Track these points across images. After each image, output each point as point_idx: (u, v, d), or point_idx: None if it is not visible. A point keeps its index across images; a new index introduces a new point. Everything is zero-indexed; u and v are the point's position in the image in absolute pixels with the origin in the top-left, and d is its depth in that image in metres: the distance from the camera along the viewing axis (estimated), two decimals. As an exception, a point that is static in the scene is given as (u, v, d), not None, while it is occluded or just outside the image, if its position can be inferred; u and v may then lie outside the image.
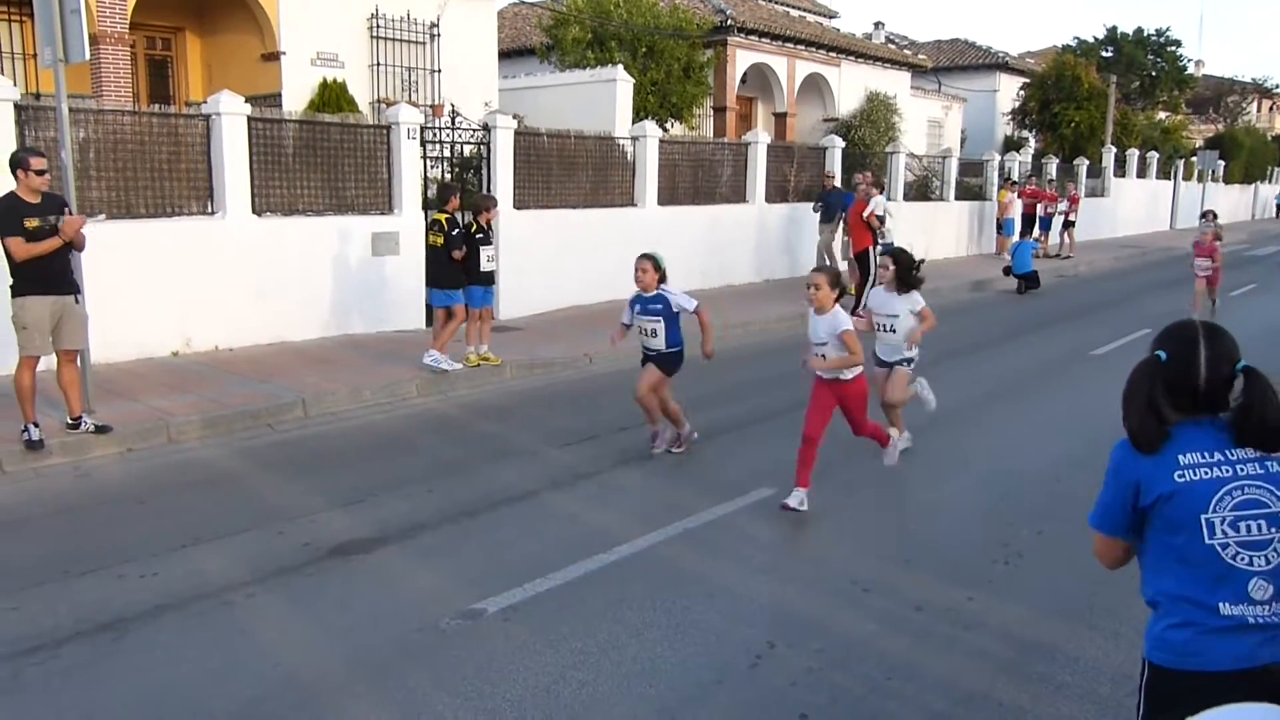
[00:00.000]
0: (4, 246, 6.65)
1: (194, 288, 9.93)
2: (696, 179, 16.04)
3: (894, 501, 6.28)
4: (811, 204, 16.99)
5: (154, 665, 4.13)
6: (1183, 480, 2.28)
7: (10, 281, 6.80)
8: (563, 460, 7.05)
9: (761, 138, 17.19)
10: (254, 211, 10.45)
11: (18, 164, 6.74)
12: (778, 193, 17.60)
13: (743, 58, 23.15)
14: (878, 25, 33.48)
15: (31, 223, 6.67)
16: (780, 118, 24.72)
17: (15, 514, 5.97)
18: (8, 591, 4.79)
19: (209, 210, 10.28)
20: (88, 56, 7.54)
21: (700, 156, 16.30)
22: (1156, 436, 2.33)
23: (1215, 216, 14.90)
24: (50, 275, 6.82)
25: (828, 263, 15.19)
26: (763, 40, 23.37)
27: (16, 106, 8.90)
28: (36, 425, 6.88)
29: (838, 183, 17.02)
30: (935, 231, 21.46)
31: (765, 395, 9.24)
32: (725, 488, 6.40)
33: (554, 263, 13.15)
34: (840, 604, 4.79)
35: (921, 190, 21.75)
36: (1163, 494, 2.29)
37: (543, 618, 4.56)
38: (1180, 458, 2.30)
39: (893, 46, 30.64)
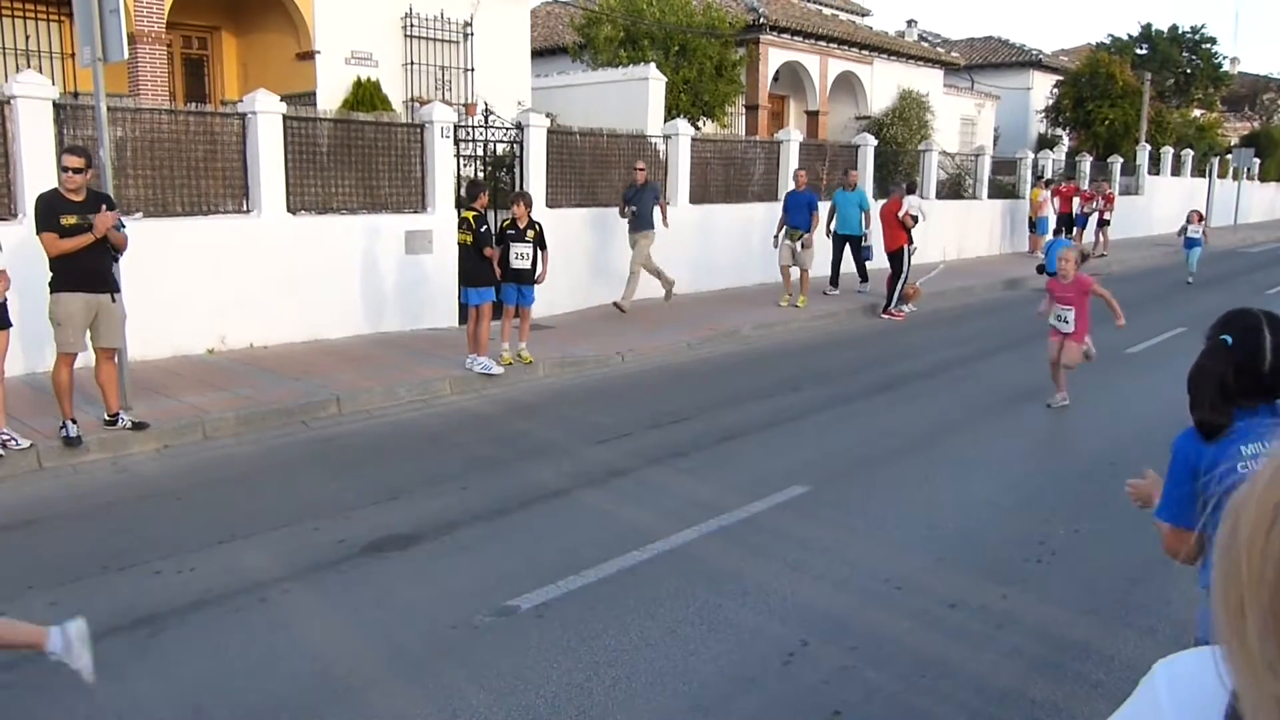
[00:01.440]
0: (41, 241, 6.75)
1: (229, 286, 10.04)
2: (728, 177, 16.00)
3: (926, 499, 6.21)
4: (619, 208, 13.03)
5: (191, 660, 4.17)
6: (1245, 471, 2.23)
7: (49, 278, 6.90)
8: (596, 457, 7.04)
9: (794, 136, 17.10)
10: (289, 210, 10.54)
11: (59, 163, 6.85)
12: (811, 191, 17.46)
13: (775, 56, 23.05)
14: (910, 23, 33.25)
15: (69, 220, 6.75)
16: (812, 116, 24.59)
17: (54, 509, 6.05)
18: (47, 586, 4.86)
19: (244, 209, 10.39)
20: (126, 56, 7.62)
21: (732, 155, 16.25)
22: (1224, 422, 2.30)
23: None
24: (87, 273, 6.90)
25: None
26: (795, 39, 23.25)
27: (55, 105, 9.03)
28: (74, 421, 6.98)
29: (644, 178, 13.00)
30: (968, 230, 21.26)
31: (800, 392, 9.19)
32: (759, 485, 6.37)
33: (586, 261, 13.17)
34: (873, 601, 4.75)
35: (954, 188, 21.55)
36: (1228, 484, 2.23)
37: (576, 615, 4.55)
38: (1243, 448, 2.27)
39: (925, 44, 30.41)
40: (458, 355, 9.76)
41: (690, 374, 10.15)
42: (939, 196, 20.49)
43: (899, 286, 13.92)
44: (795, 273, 14.07)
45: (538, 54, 21.26)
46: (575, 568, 5.02)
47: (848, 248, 15.48)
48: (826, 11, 27.61)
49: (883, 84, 25.69)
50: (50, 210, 6.72)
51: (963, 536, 5.63)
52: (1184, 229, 18.53)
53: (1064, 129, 32.45)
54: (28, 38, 14.28)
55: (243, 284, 10.13)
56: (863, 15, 31.83)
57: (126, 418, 7.30)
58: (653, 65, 18.08)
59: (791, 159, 16.81)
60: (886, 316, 13.84)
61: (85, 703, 3.82)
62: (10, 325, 6.80)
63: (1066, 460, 7.16)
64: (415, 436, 7.73)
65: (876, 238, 15.01)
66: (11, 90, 8.81)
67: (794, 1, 26.46)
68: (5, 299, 6.71)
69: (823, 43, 24.05)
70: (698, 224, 15.02)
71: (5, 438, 6.71)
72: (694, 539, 5.49)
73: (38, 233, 6.74)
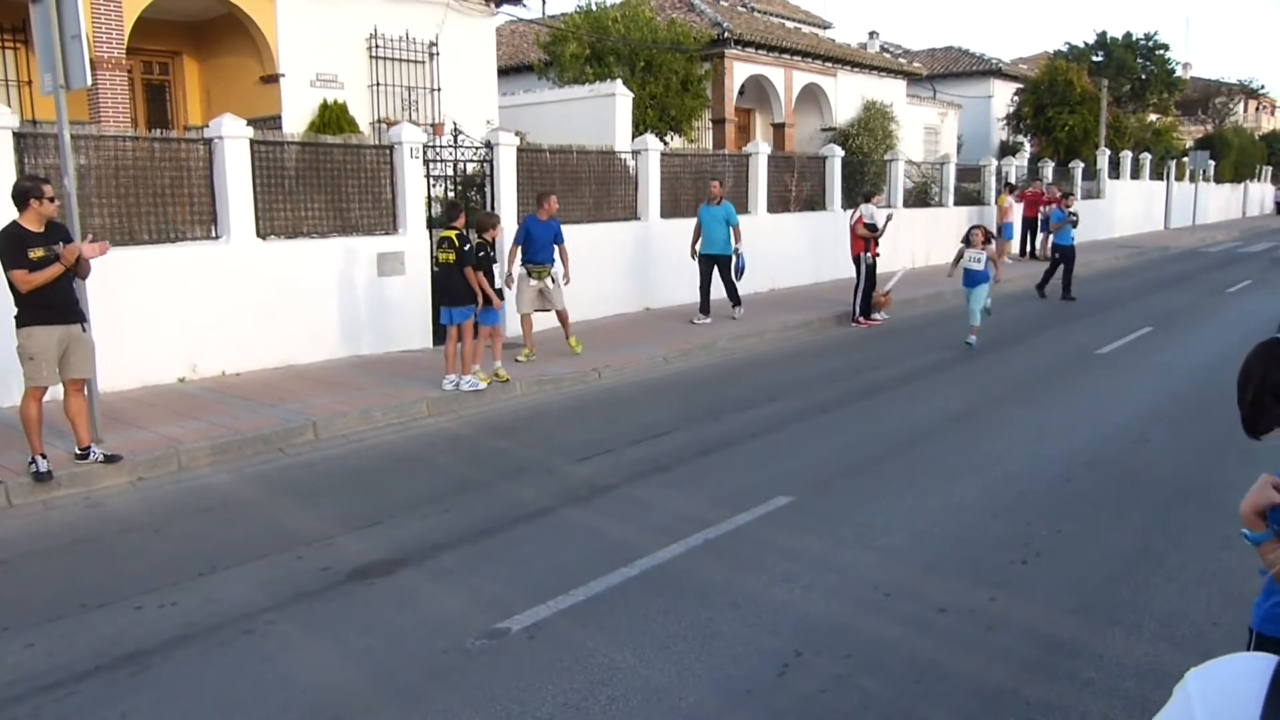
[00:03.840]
0: (8, 279, 6.62)
1: (199, 313, 9.92)
2: (699, 191, 16.04)
3: (910, 505, 6.24)
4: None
5: (177, 697, 4.08)
6: None
7: (15, 312, 6.77)
8: (579, 475, 7.01)
9: (762, 149, 17.22)
10: (258, 235, 10.44)
11: (29, 193, 6.71)
12: (779, 203, 17.62)
13: (740, 70, 23.23)
14: (872, 35, 33.67)
15: (36, 252, 6.64)
16: (779, 128, 24.78)
17: (27, 547, 5.91)
18: (24, 627, 4.74)
19: (213, 235, 10.27)
20: (89, 83, 7.52)
21: (702, 168, 16.32)
22: (1268, 421, 2.27)
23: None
24: (56, 304, 6.79)
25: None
26: (759, 52, 23.45)
27: (15, 134, 8.89)
28: (44, 456, 6.84)
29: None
30: (936, 237, 21.47)
31: (779, 403, 9.21)
32: (743, 497, 6.36)
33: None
34: (864, 609, 4.75)
35: (921, 196, 21.79)
36: None
37: (568, 634, 4.51)
38: None
39: (888, 55, 30.76)
40: (434, 376, 9.69)
41: (668, 388, 10.14)
42: (906, 205, 20.72)
43: (860, 294, 14.02)
44: (538, 319, 11.42)
45: (504, 72, 21.31)
46: (564, 587, 4.98)
47: (717, 270, 13.59)
48: (789, 25, 27.88)
49: (847, 95, 25.96)
50: (18, 243, 6.60)
51: (948, 541, 5.65)
52: (961, 255, 12.21)
53: (1025, 135, 32.98)
54: (-16, 66, 14.10)
55: (213, 311, 10.01)
56: (825, 28, 32.17)
57: (98, 451, 7.16)
58: (619, 81, 18.16)
59: (761, 171, 16.92)
60: (855, 325, 13.92)
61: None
62: None
63: (1044, 462, 7.21)
64: (394, 460, 7.65)
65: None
66: (-31, 121, 8.67)
67: (757, 15, 26.71)
68: None
69: (786, 55, 24.28)
70: (669, 238, 15.04)
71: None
72: (681, 553, 5.47)
73: (6, 270, 6.61)
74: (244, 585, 5.17)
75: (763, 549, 5.52)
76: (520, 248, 11.00)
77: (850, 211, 14.93)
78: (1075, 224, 17.31)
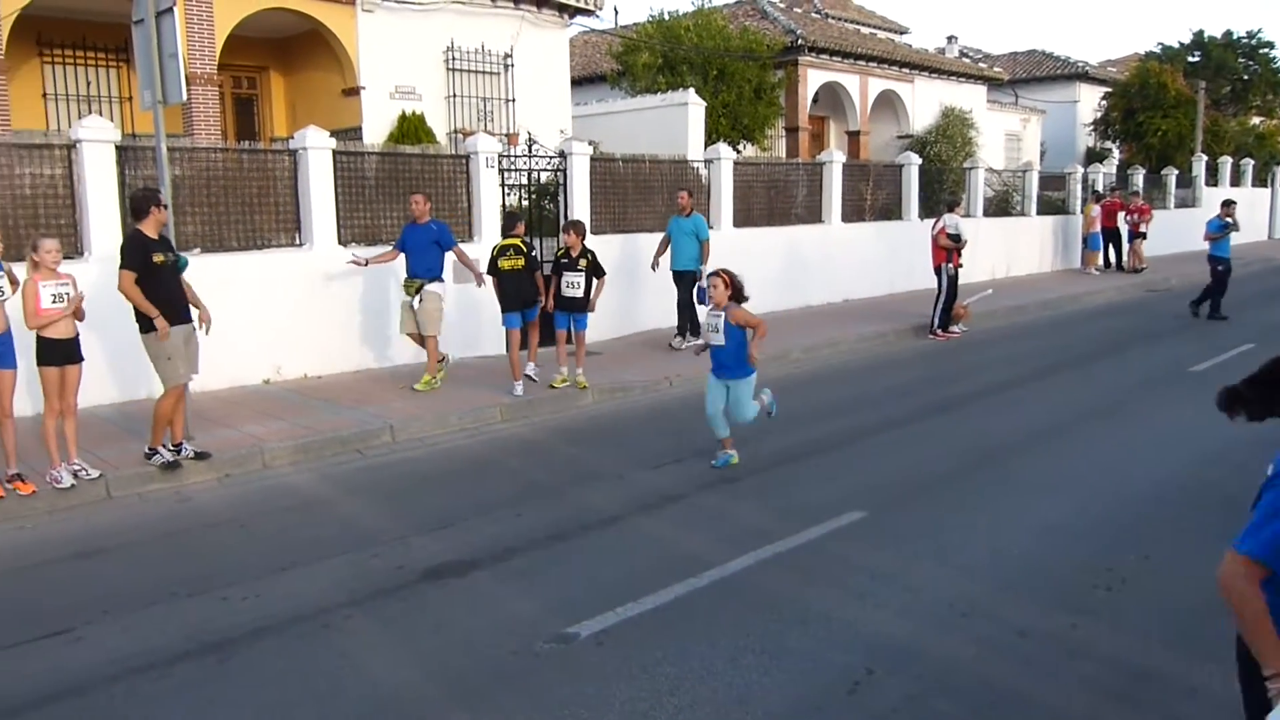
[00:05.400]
0: (121, 278, 6.92)
1: (284, 317, 10.22)
2: (771, 200, 15.99)
3: (989, 524, 6.12)
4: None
5: (259, 686, 4.22)
6: None
7: (136, 316, 7.08)
8: (649, 483, 7.04)
9: (836, 157, 17.07)
10: (340, 242, 10.72)
11: (150, 200, 7.11)
12: (854, 212, 17.45)
13: (814, 77, 23.08)
14: (951, 39, 33.12)
15: (159, 258, 7.03)
16: (853, 136, 24.55)
17: (123, 538, 6.18)
18: (121, 612, 4.96)
19: (297, 242, 10.59)
20: (184, 98, 7.84)
21: (775, 178, 16.26)
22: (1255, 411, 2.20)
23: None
24: (178, 305, 7.20)
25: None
26: (834, 59, 23.27)
27: (118, 148, 9.30)
28: (166, 447, 7.29)
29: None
30: (1017, 247, 21.04)
31: (850, 416, 9.12)
32: (815, 510, 6.31)
33: (631, 287, 13.21)
34: (938, 629, 4.67)
35: (1001, 205, 21.34)
36: None
37: (636, 642, 4.54)
38: None
39: (967, 60, 30.25)
40: (507, 382, 9.83)
41: (739, 397, 10.10)
42: (986, 214, 20.33)
43: (940, 306, 13.78)
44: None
45: (577, 83, 21.47)
46: (633, 595, 5.01)
47: (679, 288, 12.36)
48: (865, 31, 27.62)
49: (924, 102, 25.59)
50: (141, 249, 6.96)
51: (1028, 562, 5.53)
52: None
53: (1114, 142, 31.99)
54: (89, 84, 14.74)
55: (297, 315, 10.30)
56: (901, 33, 31.79)
57: (189, 447, 7.45)
58: (691, 90, 18.19)
59: (835, 180, 16.79)
60: (933, 338, 13.70)
61: (158, 732, 3.89)
62: (83, 359, 6.97)
63: (1132, 484, 6.98)
64: (468, 463, 7.78)
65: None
66: (78, 135, 9.09)
67: (832, 22, 26.52)
68: (77, 333, 6.88)
69: (862, 62, 24.04)
70: (741, 248, 15.00)
71: (76, 468, 6.88)
72: (751, 565, 5.45)
73: (129, 268, 6.93)
74: (322, 581, 5.32)
75: (834, 564, 5.48)
76: (405, 255, 9.88)
77: (931, 221, 14.67)
78: (1232, 231, 15.30)
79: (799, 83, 22.66)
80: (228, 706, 4.07)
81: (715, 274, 7.46)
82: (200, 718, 3.98)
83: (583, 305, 9.87)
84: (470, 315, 11.69)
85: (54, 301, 6.64)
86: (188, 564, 5.70)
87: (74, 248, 9.02)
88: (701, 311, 9.43)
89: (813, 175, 16.88)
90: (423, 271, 9.78)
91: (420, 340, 9.92)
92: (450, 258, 10.04)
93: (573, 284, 9.76)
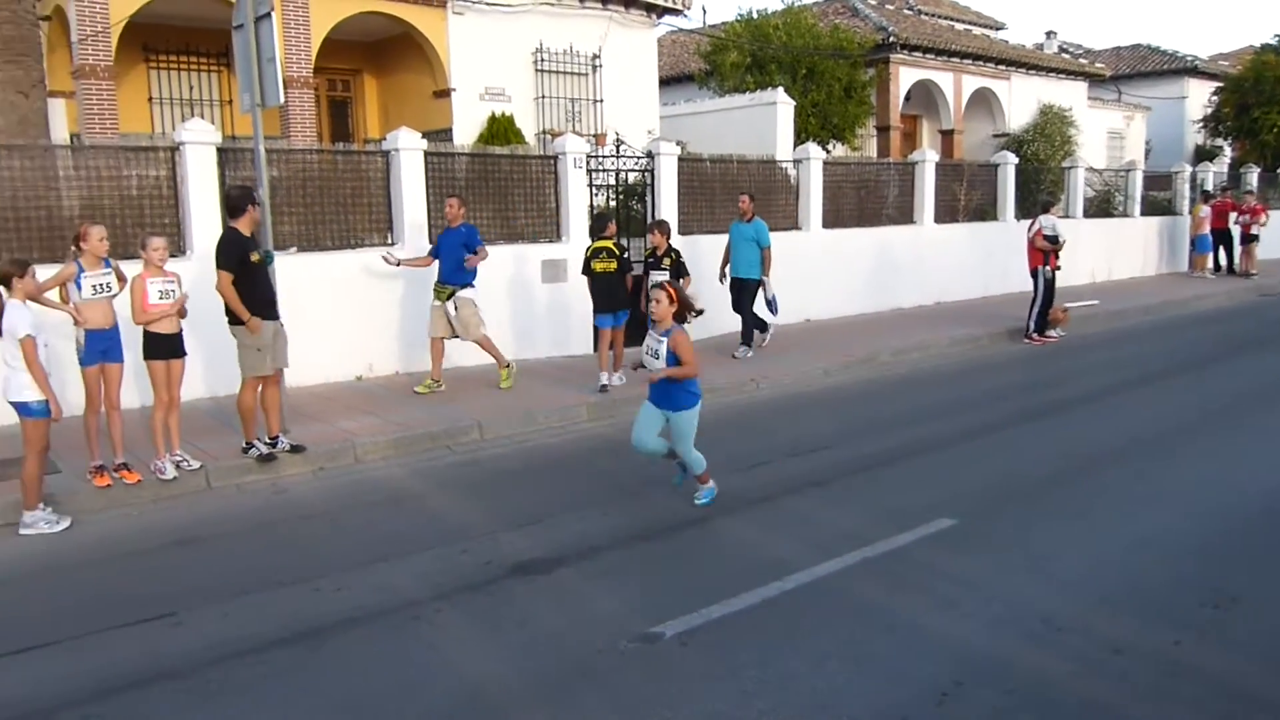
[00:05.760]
0: (219, 278, 7.18)
1: (376, 315, 10.45)
2: (861, 201, 15.75)
3: (1086, 535, 5.90)
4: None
5: (349, 674, 4.32)
6: None
7: (227, 310, 7.33)
8: (735, 485, 6.98)
9: (929, 156, 16.73)
10: (430, 242, 10.90)
11: (247, 199, 7.36)
12: (947, 213, 17.07)
13: (906, 75, 22.67)
14: (1049, 34, 32.11)
15: (255, 256, 7.29)
16: (946, 135, 24.03)
17: (222, 527, 6.40)
18: (220, 599, 5.14)
19: (389, 241, 10.81)
20: (282, 100, 8.06)
21: (865, 178, 16.01)
22: None
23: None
24: (268, 301, 7.44)
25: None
26: (927, 56, 22.81)
27: (218, 149, 9.64)
28: (261, 440, 7.52)
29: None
30: (1118, 250, 20.30)
31: (943, 420, 8.91)
32: (904, 516, 6.18)
33: (717, 288, 13.14)
34: (1031, 642, 4.51)
35: (1103, 206, 20.62)
36: None
37: (720, 644, 4.50)
38: None
39: (1066, 56, 29.31)
40: (593, 382, 9.88)
41: (827, 401, 9.98)
42: (1085, 215, 19.67)
43: (1037, 309, 13.35)
44: (451, 347, 10.22)
45: (664, 82, 21.51)
46: (717, 596, 4.97)
47: (743, 297, 11.90)
48: (959, 27, 27.00)
49: (1021, 99, 24.90)
50: (238, 248, 7.22)
51: (1128, 576, 5.31)
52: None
53: (1225, 139, 30.56)
54: (191, 88, 15.35)
55: (388, 313, 10.53)
56: (997, 29, 30.99)
57: (285, 440, 7.68)
58: (780, 89, 18.04)
59: (928, 181, 16.45)
60: (1029, 342, 13.29)
61: (256, 709, 4.00)
62: (185, 354, 7.24)
63: (1244, 497, 6.63)
64: (555, 461, 7.85)
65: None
66: (181, 137, 9.45)
67: (925, 18, 25.98)
68: (181, 329, 7.16)
69: (956, 59, 23.52)
70: (831, 249, 14.84)
71: (178, 459, 7.15)
72: (837, 571, 5.36)
73: (218, 269, 7.19)
74: (411, 574, 5.42)
75: (923, 572, 5.35)
76: (439, 260, 9.80)
77: (1027, 222, 14.21)
78: None
79: (890, 81, 22.28)
80: (320, 693, 4.17)
81: (658, 286, 6.40)
82: (294, 704, 4.09)
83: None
84: (559, 315, 11.80)
85: (161, 298, 6.92)
86: (282, 554, 5.88)
87: (177, 246, 9.37)
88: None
89: (904, 175, 16.58)
90: (454, 277, 9.68)
91: (437, 347, 9.86)
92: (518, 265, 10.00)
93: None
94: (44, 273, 6.94)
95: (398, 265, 10.01)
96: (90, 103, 12.84)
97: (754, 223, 11.72)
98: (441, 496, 6.97)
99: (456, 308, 9.66)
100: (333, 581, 5.33)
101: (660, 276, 9.81)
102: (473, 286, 9.74)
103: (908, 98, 23.16)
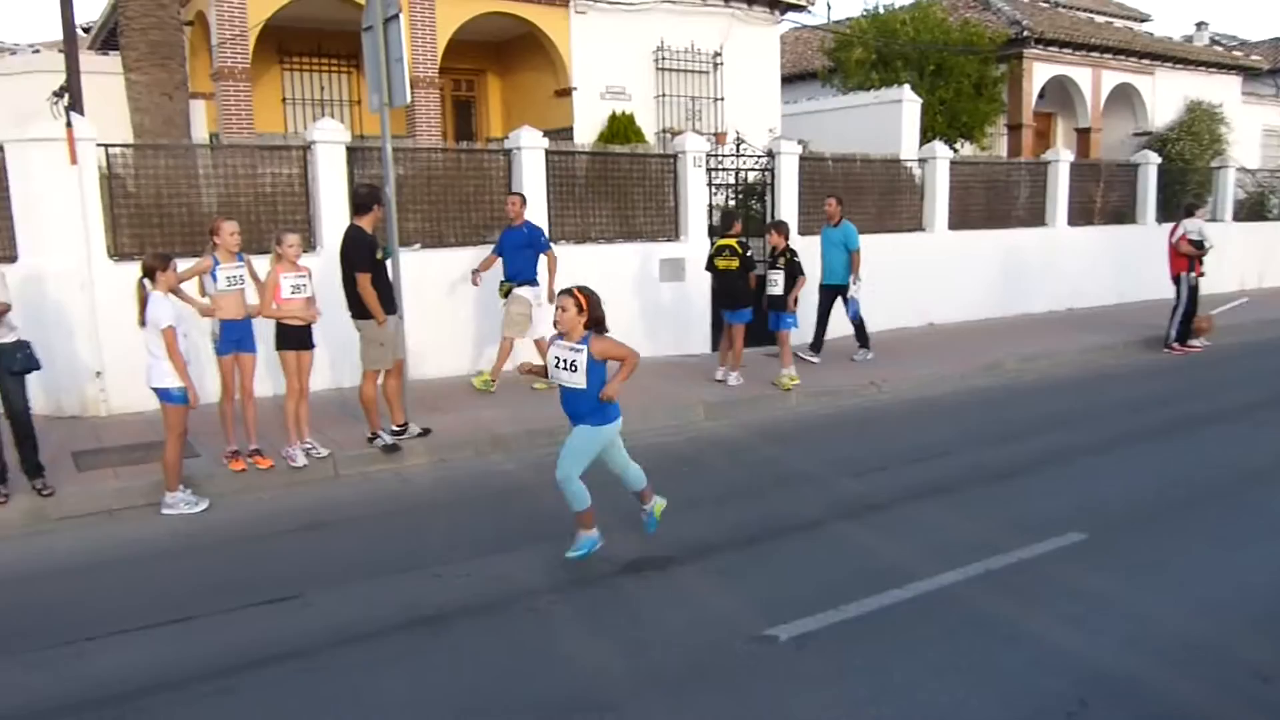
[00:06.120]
0: (357, 278, 7.44)
1: (496, 311, 10.60)
2: (990, 202, 15.25)
3: (1230, 556, 5.55)
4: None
5: (468, 660, 4.42)
6: None
7: (350, 305, 7.60)
8: (852, 489, 6.85)
9: (1063, 156, 16.08)
10: (550, 239, 11.03)
11: (375, 197, 7.62)
12: (1081, 215, 16.37)
13: (1040, 71, 21.79)
14: (1200, 26, 30.42)
15: (379, 254, 7.55)
16: (1083, 133, 23.00)
17: (348, 513, 6.64)
18: (344, 582, 5.33)
19: (512, 240, 10.98)
20: (409, 100, 8.28)
21: (994, 178, 15.50)
22: None
23: None
24: (389, 295, 7.69)
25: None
26: (1063, 51, 21.89)
27: (347, 148, 9.97)
28: (385, 431, 7.76)
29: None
30: (1272, 256, 19.10)
31: (1073, 431, 8.55)
32: (1030, 528, 5.94)
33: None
34: (1165, 664, 4.27)
35: (1255, 209, 19.40)
36: None
37: (836, 649, 4.42)
38: None
39: (1218, 49, 27.70)
40: (710, 382, 9.87)
41: (950, 407, 9.69)
42: (1236, 218, 18.56)
43: (1178, 318, 12.65)
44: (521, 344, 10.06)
45: (787, 80, 21.25)
46: (834, 601, 4.88)
47: (840, 302, 11.47)
48: (1099, 19, 25.79)
49: (1167, 95, 23.62)
50: (370, 248, 7.50)
51: (1277, 600, 4.97)
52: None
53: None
54: (322, 88, 15.98)
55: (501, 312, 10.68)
56: (1141, 20, 29.49)
57: (414, 426, 7.91)
58: (907, 87, 17.61)
59: (1061, 181, 15.81)
60: (1169, 352, 12.60)
61: (378, 688, 4.13)
62: (314, 345, 7.54)
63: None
64: (670, 460, 7.84)
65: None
66: (312, 136, 9.82)
67: (1061, 11, 24.92)
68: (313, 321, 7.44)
69: (1095, 54, 22.48)
70: (956, 251, 14.41)
71: (308, 447, 7.44)
72: (958, 581, 5.19)
73: (355, 270, 7.46)
74: (528, 566, 5.50)
75: (1049, 586, 5.13)
76: (501, 258, 9.73)
77: (1169, 226, 13.46)
78: None
79: (1023, 77, 21.45)
80: (437, 677, 4.28)
81: (565, 293, 5.49)
82: (412, 686, 4.20)
83: (782, 304, 10.02)
84: (677, 314, 11.79)
85: (293, 292, 7.19)
86: (405, 541, 6.05)
87: (307, 242, 9.71)
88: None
89: (1036, 175, 15.97)
90: (516, 274, 9.63)
91: (505, 347, 9.75)
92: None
93: (774, 282, 10.05)
94: (184, 266, 7.26)
95: (478, 284, 9.93)
96: (228, 103, 13.49)
97: (842, 226, 11.35)
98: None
99: (510, 302, 9.63)
100: (453, 569, 5.45)
101: (775, 275, 10.01)
102: (535, 285, 9.66)
103: (1041, 94, 22.27)
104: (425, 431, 7.96)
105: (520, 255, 9.59)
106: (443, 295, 10.27)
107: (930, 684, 4.10)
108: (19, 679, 4.33)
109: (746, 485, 7.04)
